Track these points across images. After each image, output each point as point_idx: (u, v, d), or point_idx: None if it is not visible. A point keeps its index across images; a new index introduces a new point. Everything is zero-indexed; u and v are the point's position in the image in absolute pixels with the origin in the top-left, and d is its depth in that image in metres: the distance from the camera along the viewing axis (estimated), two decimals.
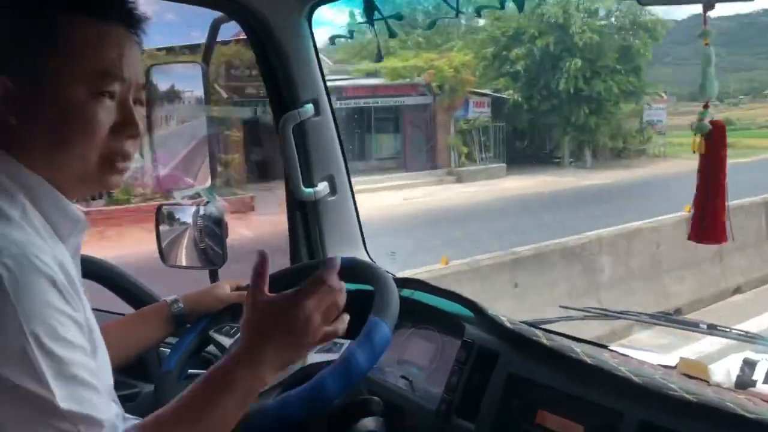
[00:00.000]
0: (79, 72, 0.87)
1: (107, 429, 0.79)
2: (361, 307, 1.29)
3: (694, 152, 1.08)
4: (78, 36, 0.87)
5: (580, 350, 1.21)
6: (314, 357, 1.17)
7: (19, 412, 0.74)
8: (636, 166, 22.64)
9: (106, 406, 0.83)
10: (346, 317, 1.02)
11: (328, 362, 1.12)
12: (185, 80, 1.81)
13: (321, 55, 1.72)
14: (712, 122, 1.07)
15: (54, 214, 0.90)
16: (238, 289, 1.45)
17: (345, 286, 1.02)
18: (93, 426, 0.78)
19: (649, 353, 1.35)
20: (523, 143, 24.62)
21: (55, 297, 0.79)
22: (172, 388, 1.24)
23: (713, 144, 1.08)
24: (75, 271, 0.90)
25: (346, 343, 1.18)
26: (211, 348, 1.40)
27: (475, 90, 21.83)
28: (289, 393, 1.09)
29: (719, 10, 1.04)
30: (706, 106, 1.06)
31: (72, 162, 0.89)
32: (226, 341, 1.33)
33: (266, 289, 0.98)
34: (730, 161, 1.08)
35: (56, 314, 0.78)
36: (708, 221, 1.08)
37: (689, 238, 1.12)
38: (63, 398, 0.75)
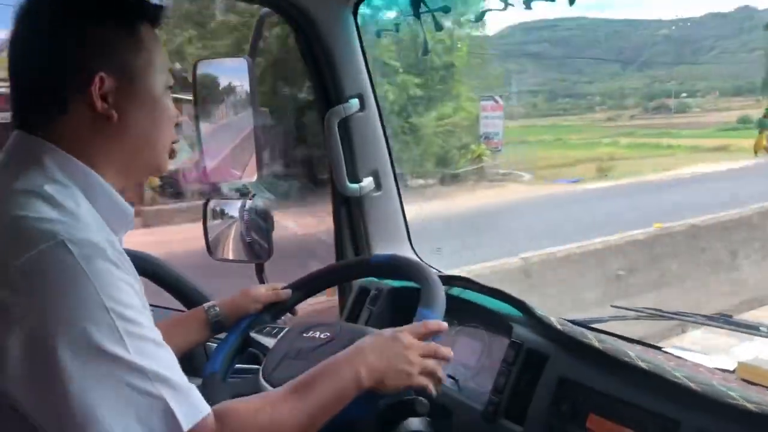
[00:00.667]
0: (158, 68, 0.99)
1: (192, 394, 0.85)
2: (408, 304, 1.28)
3: (756, 153, 1.01)
4: (151, 38, 0.99)
5: (633, 353, 1.17)
6: None
7: (108, 374, 0.79)
8: (443, 196, 14.63)
9: (180, 369, 0.87)
10: (443, 378, 1.11)
11: None
12: (232, 75, 1.82)
13: None
14: None
15: (106, 208, 0.95)
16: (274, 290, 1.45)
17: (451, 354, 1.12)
18: (176, 390, 0.83)
19: (705, 356, 1.31)
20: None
21: (115, 269, 0.84)
22: (218, 387, 1.25)
23: None
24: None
25: None
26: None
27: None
28: None
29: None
30: None
31: (159, 149, 1.02)
32: (269, 341, 1.32)
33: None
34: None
35: (121, 283, 0.84)
36: None
37: None
38: (142, 357, 0.81)
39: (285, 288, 1.45)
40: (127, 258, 0.90)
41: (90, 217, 0.90)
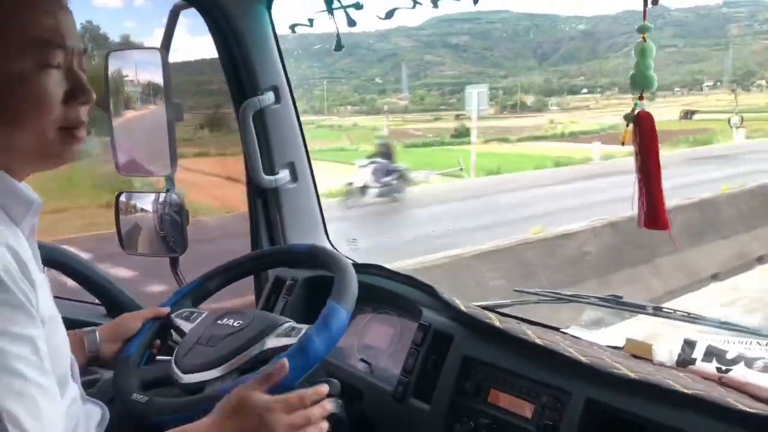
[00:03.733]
0: (20, 43, 0.85)
1: None
2: (321, 293, 1.32)
3: (623, 144, 1.11)
4: (11, 7, 0.85)
5: (531, 332, 1.26)
6: (272, 342, 1.19)
7: None
8: None
9: (49, 406, 0.80)
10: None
11: (286, 347, 1.15)
12: (145, 67, 1.80)
13: None
14: (640, 113, 1.10)
15: (4, 198, 0.89)
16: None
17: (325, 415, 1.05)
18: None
19: (599, 335, 1.40)
20: None
21: (1, 288, 0.78)
22: (131, 372, 1.23)
23: (642, 134, 1.10)
24: (30, 253, 0.90)
25: (304, 327, 1.20)
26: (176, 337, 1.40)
27: None
28: (246, 376, 1.11)
29: (678, 2, 1.07)
30: (641, 98, 1.10)
31: (28, 138, 0.88)
32: (186, 326, 1.32)
33: (264, 390, 1.01)
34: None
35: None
36: (650, 210, 1.12)
37: (638, 225, 1.15)
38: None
39: (205, 275, 1.43)
40: (30, 269, 0.84)
41: None
